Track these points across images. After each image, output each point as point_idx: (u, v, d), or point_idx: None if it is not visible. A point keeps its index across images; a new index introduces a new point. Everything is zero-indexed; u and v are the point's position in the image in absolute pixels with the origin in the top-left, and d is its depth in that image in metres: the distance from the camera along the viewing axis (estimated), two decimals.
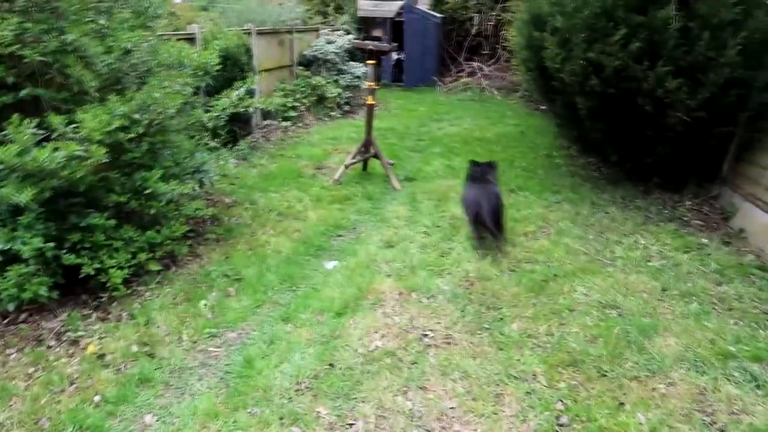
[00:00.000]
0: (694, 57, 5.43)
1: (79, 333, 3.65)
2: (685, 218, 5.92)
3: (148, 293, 4.20)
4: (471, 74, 14.93)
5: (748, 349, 3.54)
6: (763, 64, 5.41)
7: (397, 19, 14.24)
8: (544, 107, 10.65)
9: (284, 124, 9.59)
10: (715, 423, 2.95)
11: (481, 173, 5.38)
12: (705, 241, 5.33)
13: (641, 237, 5.41)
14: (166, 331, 3.75)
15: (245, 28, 8.98)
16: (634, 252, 5.06)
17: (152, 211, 4.21)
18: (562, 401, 3.11)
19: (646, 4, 5.53)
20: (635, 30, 5.54)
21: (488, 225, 4.96)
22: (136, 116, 3.91)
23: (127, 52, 4.23)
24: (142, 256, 4.18)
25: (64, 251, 3.71)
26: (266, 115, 9.51)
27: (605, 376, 3.33)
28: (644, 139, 6.22)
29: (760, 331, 3.80)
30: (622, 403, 3.09)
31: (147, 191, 4.10)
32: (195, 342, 3.67)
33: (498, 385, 3.25)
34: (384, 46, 13.68)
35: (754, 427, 2.90)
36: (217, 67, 5.11)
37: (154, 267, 4.33)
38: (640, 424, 2.93)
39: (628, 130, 6.29)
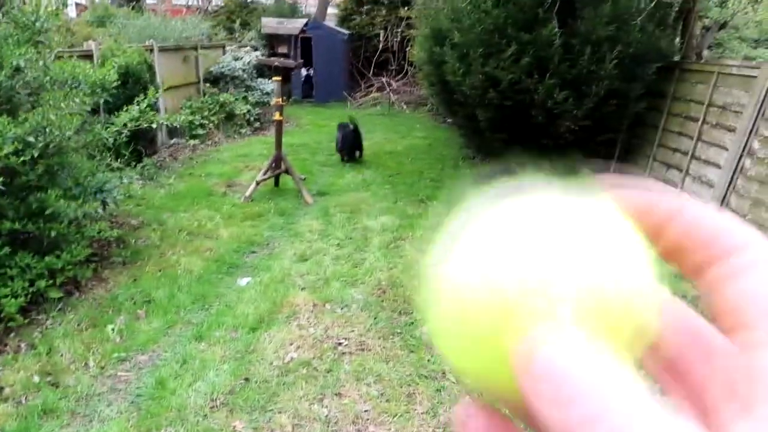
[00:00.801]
0: (578, 71, 5.93)
1: None
2: None
3: (49, 321, 4.01)
4: (380, 89, 15.31)
5: None
6: (637, 76, 6.00)
7: (304, 35, 14.35)
8: (450, 120, 11.12)
9: (192, 142, 9.40)
10: None
11: (346, 127, 8.79)
12: None
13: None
14: (71, 359, 3.60)
15: (147, 44, 8.76)
16: None
17: (52, 234, 4.04)
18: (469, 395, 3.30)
19: (533, 23, 5.99)
20: (525, 46, 5.97)
21: (351, 149, 8.86)
22: (30, 139, 3.75)
23: (18, 69, 4.05)
24: (42, 284, 3.99)
25: None
26: (172, 133, 9.29)
27: None
28: (540, 147, 6.68)
29: None
30: None
31: (47, 212, 3.94)
32: (103, 367, 3.56)
33: (410, 385, 3.40)
34: (290, 62, 13.69)
35: None
36: (116, 84, 4.99)
37: (55, 294, 4.15)
38: None
39: (525, 140, 6.74)
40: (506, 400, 0.28)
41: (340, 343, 3.84)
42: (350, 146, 8.90)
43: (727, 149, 5.05)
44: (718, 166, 5.14)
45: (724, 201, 4.95)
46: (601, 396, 0.22)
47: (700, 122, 5.50)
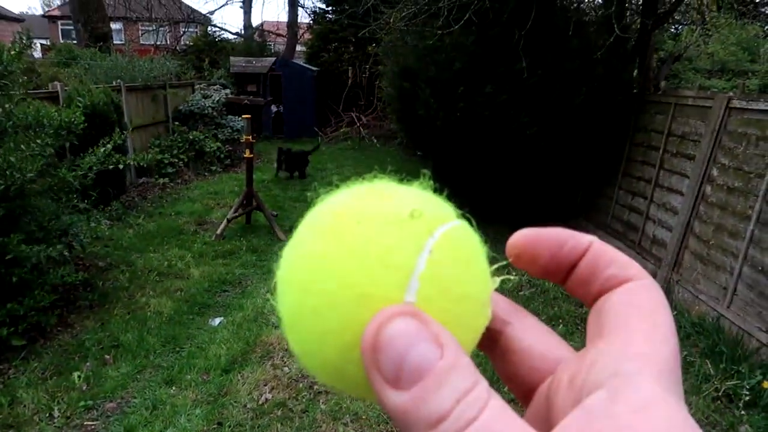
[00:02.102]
0: (549, 104, 6.08)
1: None
2: None
3: (11, 371, 3.86)
4: (350, 124, 15.46)
5: None
6: (602, 108, 6.19)
7: (273, 73, 14.49)
8: (420, 153, 11.26)
9: (162, 180, 9.30)
10: None
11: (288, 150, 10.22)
12: None
13: (512, 269, 5.83)
14: (35, 410, 3.46)
15: (114, 84, 8.72)
16: (507, 284, 5.43)
17: (14, 279, 3.91)
18: None
19: (508, 58, 6.13)
20: (501, 82, 6.09)
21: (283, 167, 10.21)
22: None
23: None
24: (3, 332, 3.85)
25: None
26: (142, 172, 9.18)
27: None
28: (511, 178, 6.79)
29: None
30: None
31: (8, 257, 3.82)
32: (69, 417, 3.42)
33: (387, 423, 3.34)
34: (258, 100, 13.83)
35: None
36: (83, 126, 4.92)
37: (18, 342, 4.00)
38: None
39: (496, 172, 6.84)
40: (355, 391, 0.30)
41: (315, 382, 3.78)
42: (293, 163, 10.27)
43: (688, 177, 5.21)
44: (680, 193, 5.29)
45: (688, 227, 5.09)
46: (436, 378, 0.24)
47: (661, 151, 5.68)
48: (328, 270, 0.28)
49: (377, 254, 0.27)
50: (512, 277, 0.34)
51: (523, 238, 0.34)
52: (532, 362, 0.32)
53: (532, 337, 0.33)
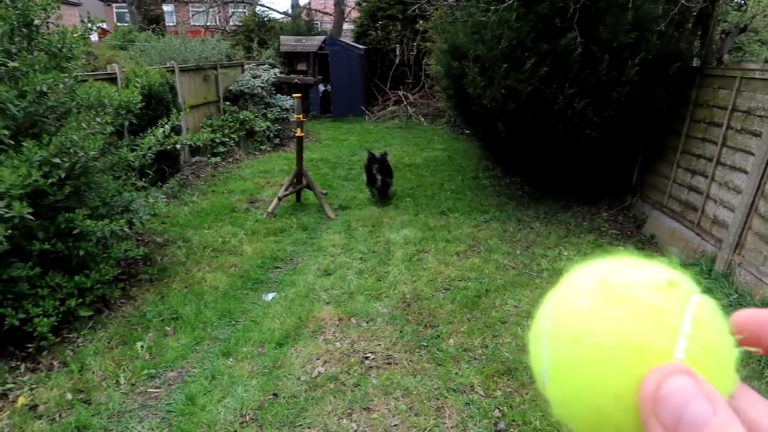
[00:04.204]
0: (597, 78, 5.88)
1: (8, 386, 3.49)
2: (603, 228, 6.34)
3: (80, 339, 4.08)
4: (397, 102, 15.38)
5: None
6: (658, 80, 5.94)
7: (321, 52, 14.51)
8: (469, 132, 11.12)
9: (214, 159, 9.53)
10: None
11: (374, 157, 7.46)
12: (621, 248, 5.74)
13: (564, 249, 5.75)
14: (102, 376, 3.65)
15: (168, 65, 8.93)
16: (559, 263, 5.38)
17: (81, 253, 4.11)
18: (499, 408, 3.27)
19: (552, 33, 5.96)
20: (543, 57, 5.94)
21: (378, 185, 7.47)
22: (56, 160, 3.83)
23: (42, 94, 4.14)
24: (72, 303, 4.06)
25: None
26: (195, 151, 9.43)
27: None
28: (561, 157, 6.64)
29: None
30: None
31: (75, 232, 4.01)
32: (133, 384, 3.60)
33: (438, 399, 3.38)
34: (309, 79, 13.89)
35: None
36: (140, 105, 5.08)
37: (85, 312, 4.21)
38: None
39: (546, 150, 6.70)
40: None
41: (366, 357, 3.84)
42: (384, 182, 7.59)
43: (753, 154, 4.96)
44: (744, 172, 5.05)
45: (752, 207, 4.86)
46: (712, 427, 0.27)
47: (724, 127, 5.41)
48: (602, 325, 0.32)
49: (647, 314, 0.31)
50: (753, 350, 0.35)
51: (743, 319, 0.36)
52: None
53: (758, 410, 0.34)
